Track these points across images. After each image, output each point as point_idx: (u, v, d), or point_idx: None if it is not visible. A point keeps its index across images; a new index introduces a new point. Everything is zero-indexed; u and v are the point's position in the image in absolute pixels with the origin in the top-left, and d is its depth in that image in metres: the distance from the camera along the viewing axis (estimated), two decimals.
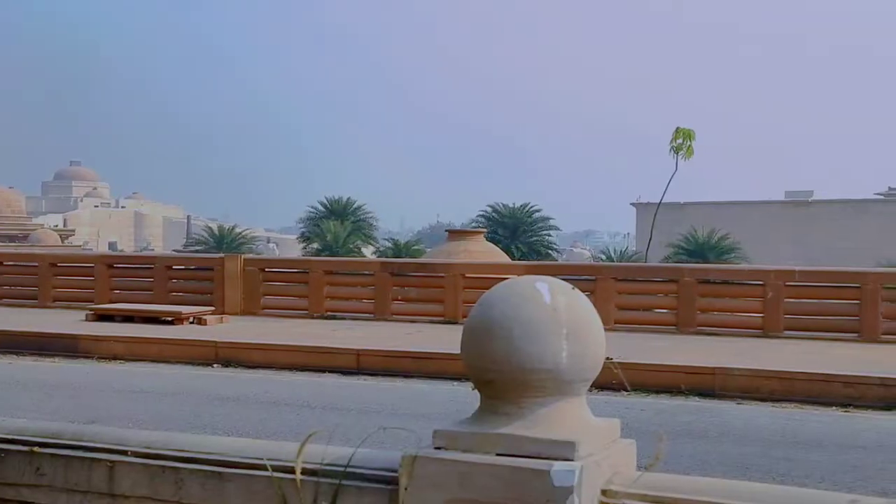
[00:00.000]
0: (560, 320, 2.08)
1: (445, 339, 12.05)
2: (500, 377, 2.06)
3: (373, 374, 11.96)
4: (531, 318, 2.08)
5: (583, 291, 2.33)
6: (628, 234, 76.46)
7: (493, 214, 44.52)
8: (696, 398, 10.28)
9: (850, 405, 9.77)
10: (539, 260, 37.93)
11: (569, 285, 2.26)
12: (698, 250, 36.57)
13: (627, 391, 9.34)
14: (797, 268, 15.21)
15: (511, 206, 44.62)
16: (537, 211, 44.84)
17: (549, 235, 45.69)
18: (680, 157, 25.07)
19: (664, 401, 10.01)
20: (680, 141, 24.84)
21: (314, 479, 2.17)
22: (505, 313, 2.11)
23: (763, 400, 10.10)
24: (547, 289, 2.15)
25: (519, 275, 3.05)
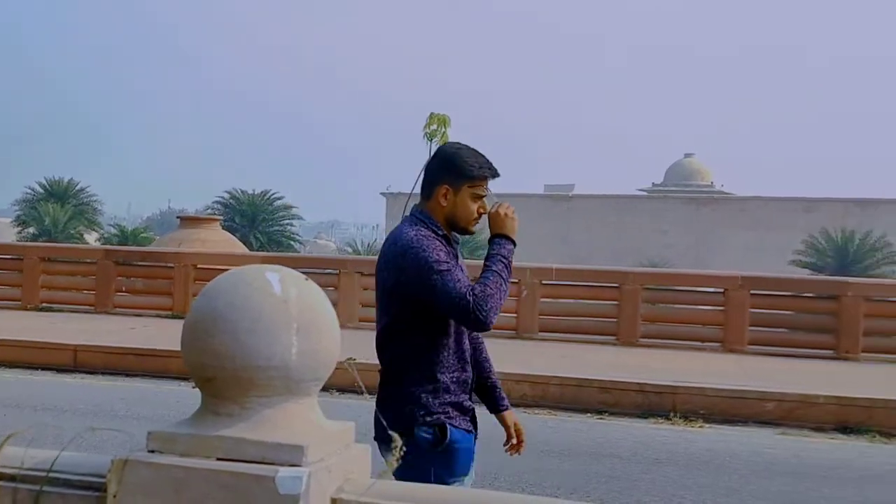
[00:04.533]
0: (291, 313, 2.11)
1: (173, 335, 11.83)
2: (222, 374, 2.07)
3: (91, 372, 12.16)
4: (260, 311, 2.09)
5: (325, 286, 2.38)
6: (377, 225, 77.63)
7: (231, 201, 44.41)
8: None
9: (605, 412, 10.43)
10: (280, 251, 37.91)
11: (302, 276, 2.29)
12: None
13: (361, 393, 9.51)
14: (554, 266, 16.03)
15: (251, 192, 44.55)
16: (279, 199, 45.01)
17: (292, 225, 46.00)
18: (434, 145, 25.80)
19: None
20: (434, 127, 25.56)
21: (12, 484, 2.10)
22: (231, 304, 2.11)
23: (514, 405, 10.48)
24: (277, 279, 2.17)
25: None
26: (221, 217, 30.36)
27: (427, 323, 3.54)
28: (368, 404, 3.66)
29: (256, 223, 42.79)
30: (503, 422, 4.06)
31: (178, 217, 26.16)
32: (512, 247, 3.59)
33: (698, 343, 14.54)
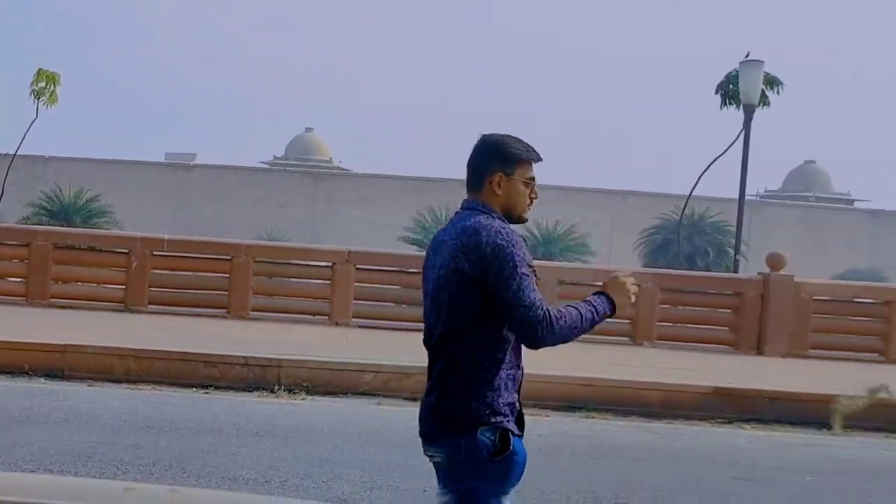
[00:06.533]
0: None
1: None
2: None
3: None
4: None
5: None
6: None
7: None
8: (43, 380, 10.10)
9: (211, 386, 10.30)
10: None
11: None
12: (63, 211, 35.67)
13: None
14: (166, 236, 15.62)
15: None
16: None
17: None
18: (42, 104, 24.32)
19: (3, 383, 9.74)
20: (43, 84, 24.06)
21: None
22: None
23: (118, 381, 10.21)
24: None
25: None
26: None
27: (491, 321, 3.34)
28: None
29: None
30: None
31: None
32: (610, 313, 3.42)
33: (309, 316, 14.75)
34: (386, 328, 14.24)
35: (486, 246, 3.31)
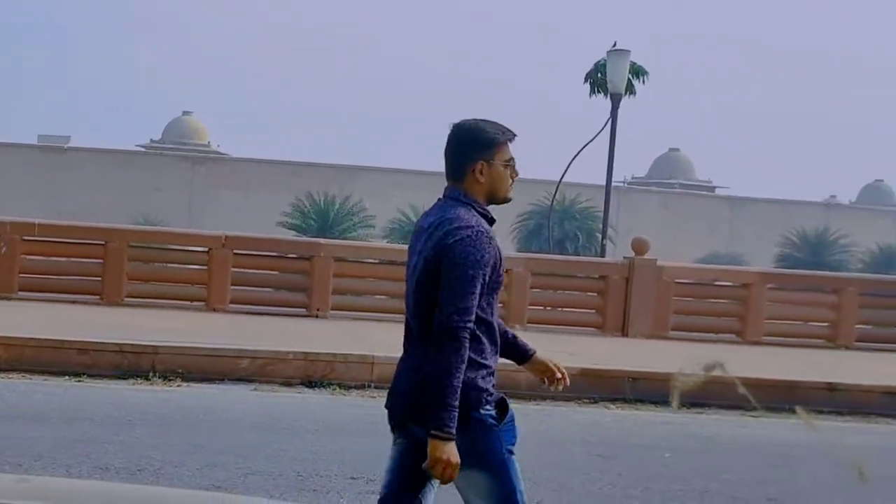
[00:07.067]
0: None
1: None
2: None
3: None
4: None
5: None
6: None
7: None
8: None
9: (84, 374, 9.99)
10: None
11: None
12: None
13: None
14: (37, 221, 15.08)
15: None
16: None
17: None
18: None
19: None
20: None
21: None
22: None
23: None
24: None
25: None
26: None
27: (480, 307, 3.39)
28: None
29: None
30: (541, 365, 3.89)
31: None
32: (440, 430, 3.31)
33: (185, 302, 14.48)
34: (264, 313, 14.09)
35: (450, 237, 3.37)
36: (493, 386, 3.51)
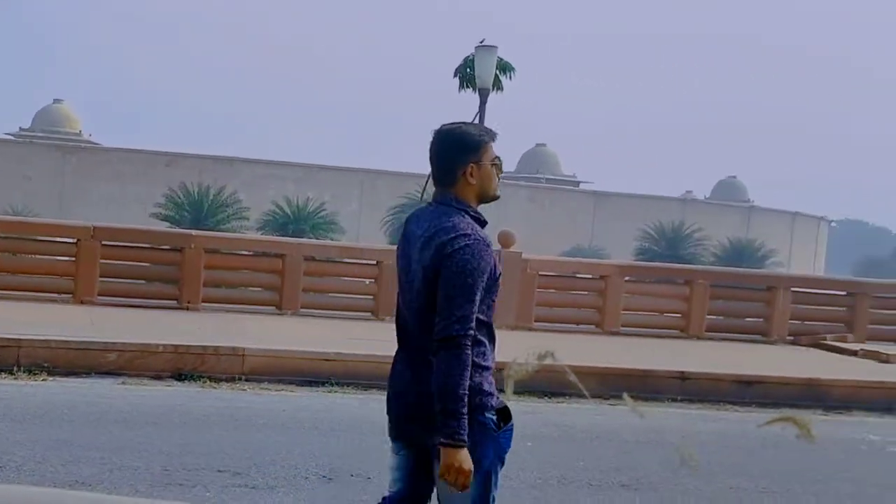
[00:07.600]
0: None
1: None
2: None
3: None
4: None
5: None
6: None
7: None
8: None
9: None
10: None
11: None
12: None
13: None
14: None
15: None
16: None
17: None
18: None
19: None
20: None
21: None
22: None
23: None
24: None
25: None
26: None
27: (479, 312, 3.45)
28: None
29: None
30: None
31: None
32: (452, 440, 3.37)
33: (52, 294, 14.04)
34: (134, 306, 13.79)
35: (449, 247, 3.41)
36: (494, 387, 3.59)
